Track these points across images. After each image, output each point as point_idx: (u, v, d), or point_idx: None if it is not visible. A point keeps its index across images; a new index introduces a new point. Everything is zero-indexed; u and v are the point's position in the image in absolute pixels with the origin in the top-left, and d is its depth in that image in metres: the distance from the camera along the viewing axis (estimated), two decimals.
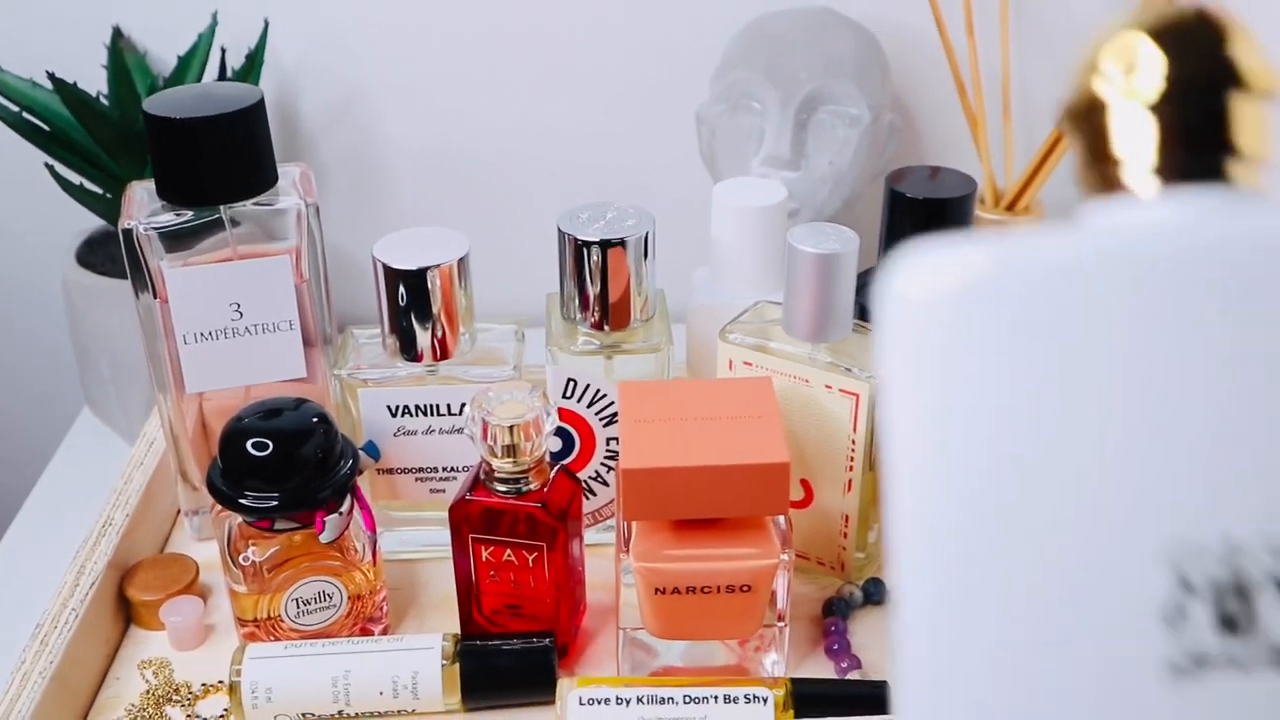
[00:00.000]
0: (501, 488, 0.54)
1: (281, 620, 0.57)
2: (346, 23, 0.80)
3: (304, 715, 0.54)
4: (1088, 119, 0.24)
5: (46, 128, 0.73)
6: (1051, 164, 0.73)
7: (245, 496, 0.54)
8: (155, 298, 0.60)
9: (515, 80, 0.81)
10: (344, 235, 0.83)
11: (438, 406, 0.60)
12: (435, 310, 0.58)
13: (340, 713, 0.54)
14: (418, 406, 0.60)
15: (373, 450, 0.61)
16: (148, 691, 0.57)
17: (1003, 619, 0.22)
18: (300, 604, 0.56)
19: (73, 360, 0.83)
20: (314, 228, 0.61)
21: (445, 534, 0.62)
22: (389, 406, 0.60)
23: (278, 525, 0.55)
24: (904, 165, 0.69)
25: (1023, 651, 0.22)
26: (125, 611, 0.61)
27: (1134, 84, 0.23)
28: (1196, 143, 0.22)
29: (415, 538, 0.64)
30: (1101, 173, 0.23)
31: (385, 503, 0.63)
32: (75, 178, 0.75)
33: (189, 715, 0.56)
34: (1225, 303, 0.21)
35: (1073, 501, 0.21)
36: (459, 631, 0.58)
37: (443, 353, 0.59)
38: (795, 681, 0.52)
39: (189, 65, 0.75)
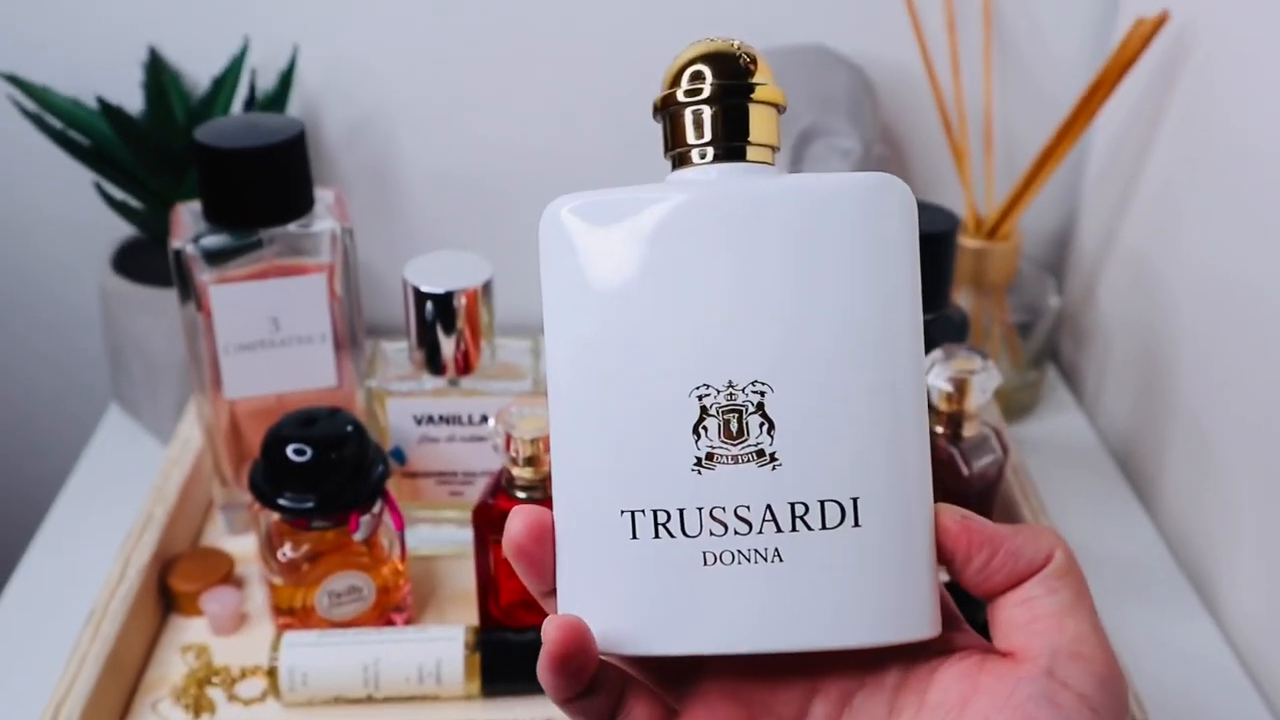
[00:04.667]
0: (521, 494, 0.59)
1: (314, 610, 0.62)
2: (369, 46, 0.84)
3: (336, 698, 0.59)
4: (667, 113, 0.35)
5: (87, 143, 0.78)
6: (1031, 194, 0.78)
7: (285, 497, 0.59)
8: (199, 310, 0.65)
9: (532, 103, 0.86)
10: (363, 249, 0.88)
11: (460, 416, 0.65)
12: (460, 328, 0.63)
13: (369, 696, 0.59)
14: (441, 416, 0.65)
15: (399, 455, 0.66)
16: (190, 673, 0.62)
17: (601, 426, 0.34)
18: (332, 596, 0.61)
19: (100, 359, 0.88)
20: (348, 248, 0.65)
21: (462, 533, 0.68)
22: (414, 416, 0.65)
23: (314, 524, 0.60)
24: None
25: (611, 445, 0.34)
26: (165, 600, 0.66)
27: (694, 90, 0.35)
28: (730, 131, 0.35)
29: (434, 535, 0.69)
30: (678, 152, 0.35)
31: (407, 503, 0.68)
32: (117, 193, 0.79)
33: (229, 695, 0.61)
34: (743, 230, 0.33)
35: (641, 360, 0.33)
36: (478, 623, 0.63)
37: (466, 367, 0.65)
38: None
39: (223, 86, 0.80)
